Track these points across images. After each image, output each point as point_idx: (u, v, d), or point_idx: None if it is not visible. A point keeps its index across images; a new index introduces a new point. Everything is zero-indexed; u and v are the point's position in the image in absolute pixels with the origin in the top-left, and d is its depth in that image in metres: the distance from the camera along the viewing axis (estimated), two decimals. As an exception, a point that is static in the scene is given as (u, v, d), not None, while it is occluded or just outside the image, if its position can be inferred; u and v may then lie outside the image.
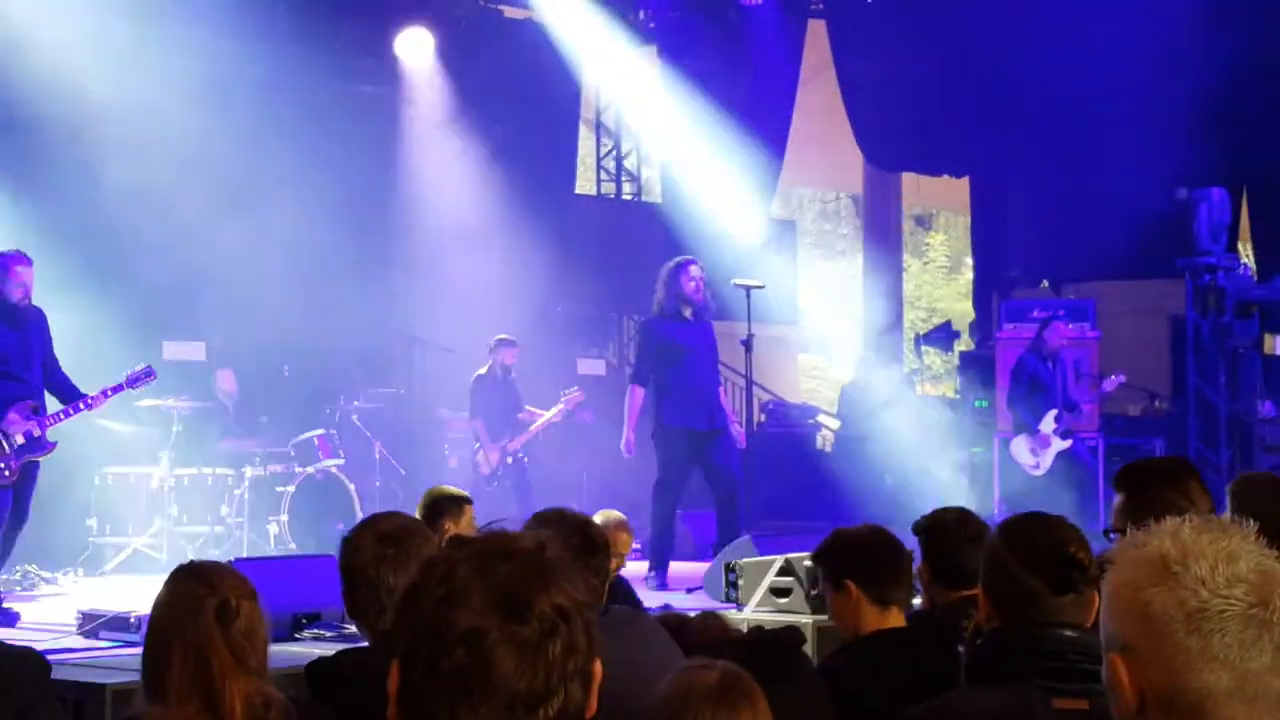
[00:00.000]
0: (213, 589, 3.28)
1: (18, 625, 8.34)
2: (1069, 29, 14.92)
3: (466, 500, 6.23)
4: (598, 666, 1.90)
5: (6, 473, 8.80)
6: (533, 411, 13.14)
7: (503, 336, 13.13)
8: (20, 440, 8.87)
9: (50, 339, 9.23)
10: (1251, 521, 1.95)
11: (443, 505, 6.14)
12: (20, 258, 9.01)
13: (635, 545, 11.43)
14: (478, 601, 1.82)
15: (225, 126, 12.69)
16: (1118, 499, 4.32)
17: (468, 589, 1.83)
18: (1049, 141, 15.49)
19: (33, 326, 9.07)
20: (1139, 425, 14.54)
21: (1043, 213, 15.77)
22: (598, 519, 5.34)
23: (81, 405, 9.18)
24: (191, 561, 3.53)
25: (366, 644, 4.17)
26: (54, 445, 9.10)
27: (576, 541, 4.02)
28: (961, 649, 3.64)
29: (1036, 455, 13.36)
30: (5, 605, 8.65)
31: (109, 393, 9.34)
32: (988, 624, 3.53)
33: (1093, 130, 15.00)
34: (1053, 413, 13.28)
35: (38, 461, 9.04)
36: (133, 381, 9.55)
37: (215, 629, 3.22)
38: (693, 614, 5.06)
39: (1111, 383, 13.40)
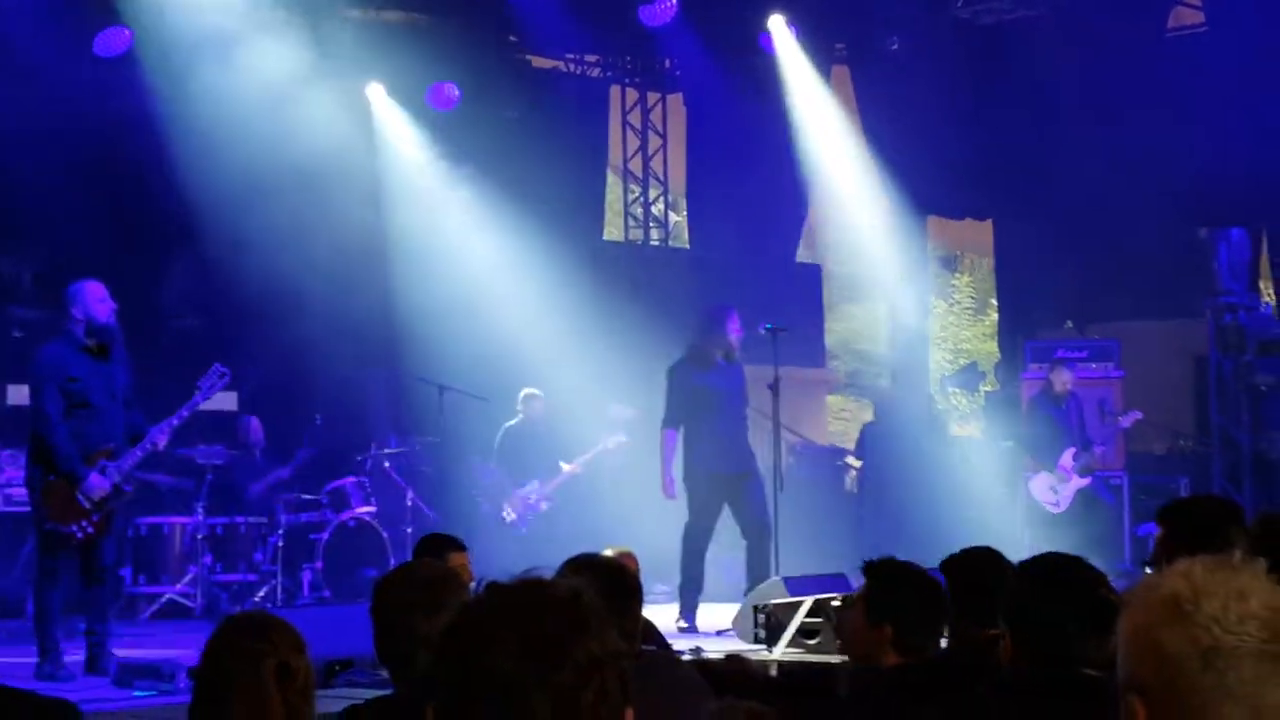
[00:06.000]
0: (273, 646, 3.33)
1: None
2: (1086, 72, 15.01)
3: (459, 546, 6.21)
4: (630, 715, 1.90)
5: (91, 530, 8.51)
6: (565, 466, 13.35)
7: (529, 391, 13.42)
8: (100, 496, 8.52)
9: (129, 366, 8.75)
10: (1262, 560, 1.97)
11: (430, 547, 6.16)
12: (95, 281, 8.61)
13: (664, 587, 11.52)
14: (514, 647, 1.82)
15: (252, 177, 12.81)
16: (1159, 533, 4.40)
17: (504, 635, 1.83)
18: (1070, 183, 15.51)
19: (116, 356, 8.63)
20: (1164, 464, 14.57)
21: (1066, 254, 15.76)
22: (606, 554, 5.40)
23: (149, 445, 8.69)
24: (246, 614, 3.59)
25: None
26: (130, 489, 8.76)
27: (610, 587, 4.07)
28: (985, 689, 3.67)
29: (1056, 493, 13.53)
30: (66, 659, 8.47)
31: (175, 421, 8.73)
32: (1010, 663, 3.57)
33: (1113, 172, 15.04)
34: (1070, 451, 13.46)
35: (115, 510, 8.69)
36: (208, 391, 8.89)
37: (274, 688, 3.29)
38: (720, 657, 5.12)
39: (1128, 419, 13.56)
